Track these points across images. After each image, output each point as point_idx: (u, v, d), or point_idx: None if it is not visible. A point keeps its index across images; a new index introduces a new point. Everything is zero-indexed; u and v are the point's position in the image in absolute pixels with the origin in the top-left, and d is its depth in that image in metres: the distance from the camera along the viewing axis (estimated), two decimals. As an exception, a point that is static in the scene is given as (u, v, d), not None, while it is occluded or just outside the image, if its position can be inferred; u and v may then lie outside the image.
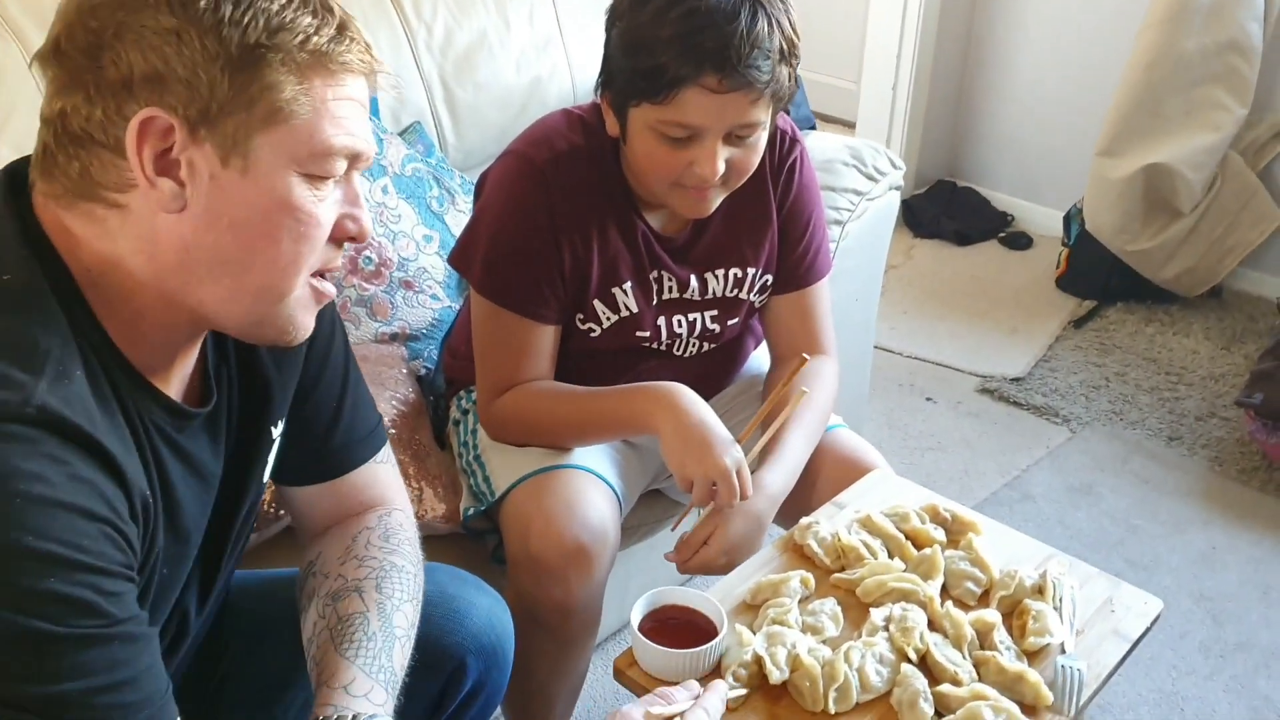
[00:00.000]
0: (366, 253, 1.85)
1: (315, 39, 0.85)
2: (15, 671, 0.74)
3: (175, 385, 0.95)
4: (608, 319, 1.50)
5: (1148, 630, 1.25)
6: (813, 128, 2.36)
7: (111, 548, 0.79)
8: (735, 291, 1.56)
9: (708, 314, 1.57)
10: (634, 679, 1.15)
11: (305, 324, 0.94)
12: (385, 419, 1.58)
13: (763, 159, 1.50)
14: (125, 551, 0.81)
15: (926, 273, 3.27)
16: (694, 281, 1.53)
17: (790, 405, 1.43)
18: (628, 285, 1.49)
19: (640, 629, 1.16)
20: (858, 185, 2.12)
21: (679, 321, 1.55)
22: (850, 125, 3.63)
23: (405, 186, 1.92)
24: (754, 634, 1.17)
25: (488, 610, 1.23)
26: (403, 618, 1.09)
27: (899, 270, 3.27)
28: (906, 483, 1.47)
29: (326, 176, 0.88)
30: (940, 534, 1.34)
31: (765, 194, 1.53)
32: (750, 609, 1.24)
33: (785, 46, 1.31)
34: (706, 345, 1.60)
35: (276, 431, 1.07)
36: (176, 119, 0.81)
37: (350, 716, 0.98)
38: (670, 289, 1.52)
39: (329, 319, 1.13)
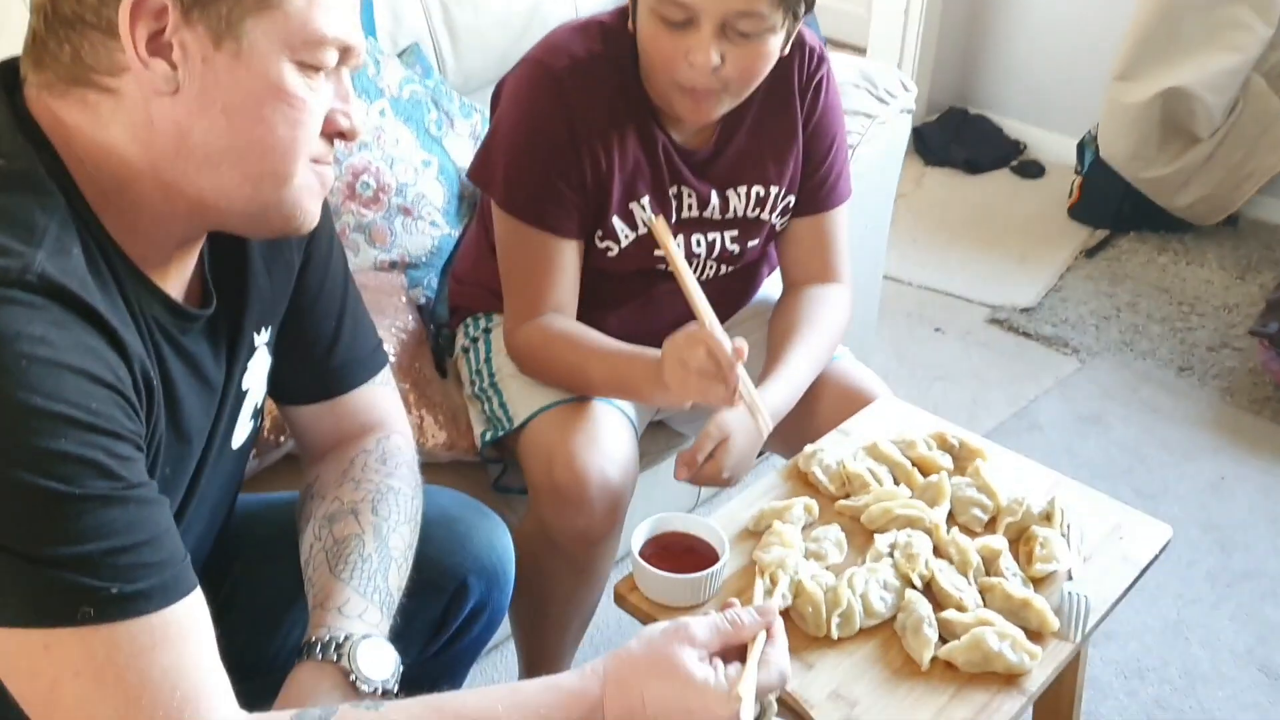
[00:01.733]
0: (364, 178, 1.81)
1: None
2: (38, 532, 0.73)
3: (175, 286, 0.93)
4: (626, 237, 1.46)
5: (1156, 557, 1.23)
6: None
7: (119, 413, 0.78)
8: (757, 211, 1.52)
9: (728, 234, 1.53)
10: (635, 604, 1.14)
11: (312, 211, 0.92)
12: (386, 346, 1.56)
13: (790, 73, 1.46)
14: (132, 419, 0.80)
15: (937, 201, 3.22)
16: (715, 199, 1.49)
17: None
18: (645, 200, 1.45)
19: (641, 554, 1.15)
20: (868, 108, 2.07)
21: (698, 241, 1.51)
22: (860, 50, 3.55)
23: (403, 110, 1.88)
24: (756, 559, 1.16)
25: (488, 532, 1.22)
26: (399, 539, 1.08)
27: (908, 199, 3.22)
28: (913, 409, 1.45)
29: (318, 66, 0.86)
30: (947, 461, 1.32)
31: (792, 110, 1.49)
32: (753, 535, 1.22)
33: None
34: (724, 268, 1.57)
35: (259, 339, 1.04)
36: (174, 3, 0.79)
37: (343, 637, 0.97)
38: (690, 206, 1.48)
39: (327, 237, 1.12)
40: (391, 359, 1.55)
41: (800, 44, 1.48)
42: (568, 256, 1.44)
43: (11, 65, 0.86)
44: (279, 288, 1.05)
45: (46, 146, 0.83)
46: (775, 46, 1.34)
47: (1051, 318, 2.72)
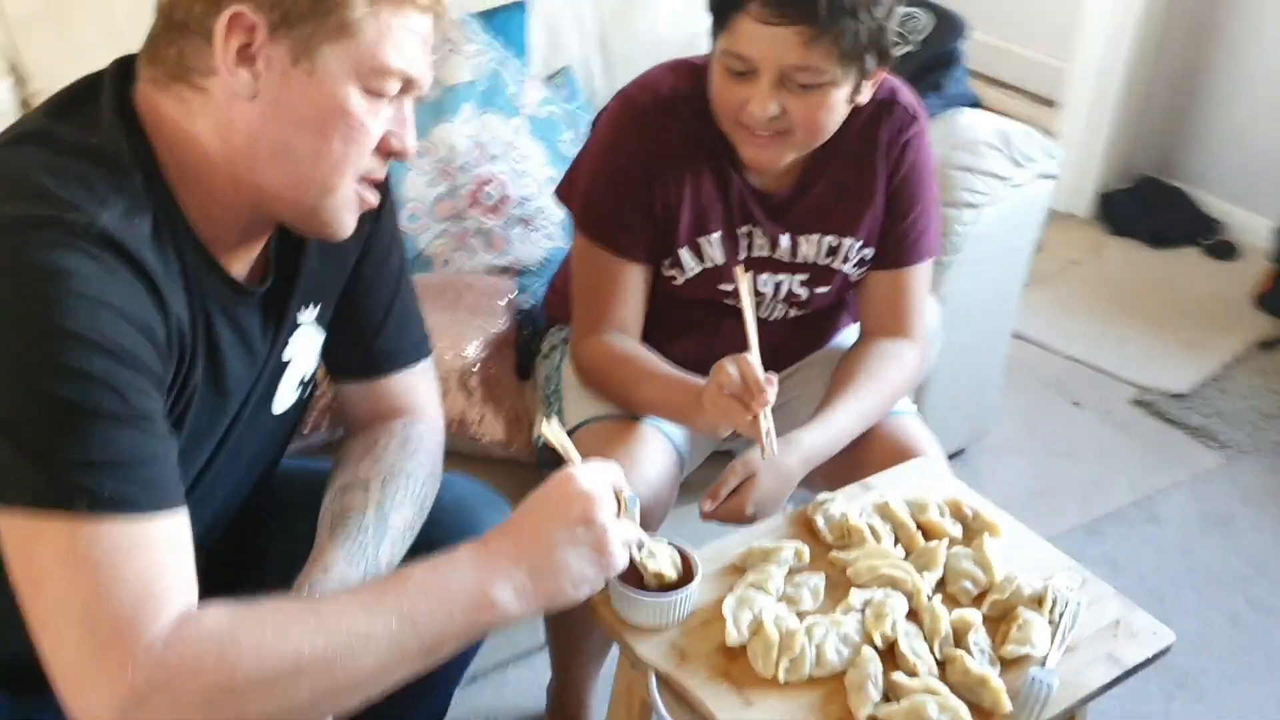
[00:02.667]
0: (489, 187, 1.93)
1: None
2: (53, 436, 0.85)
3: (239, 265, 1.06)
4: (691, 269, 1.52)
5: (1149, 661, 1.19)
6: (974, 105, 2.27)
7: (145, 353, 0.90)
8: (829, 260, 1.55)
9: (797, 278, 1.57)
10: (605, 617, 1.19)
11: (347, 223, 1.05)
12: (470, 345, 1.68)
13: (877, 130, 1.49)
14: (158, 363, 0.92)
15: (1112, 272, 3.10)
16: (785, 241, 1.53)
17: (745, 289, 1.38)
18: (715, 236, 1.51)
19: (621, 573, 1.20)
20: (999, 169, 2.05)
21: (765, 280, 1.56)
22: (1051, 104, 3.45)
23: (538, 128, 1.99)
24: (730, 594, 1.19)
25: (498, 522, 1.30)
26: (400, 518, 1.17)
27: (1081, 267, 3.11)
28: (948, 475, 1.44)
29: (380, 94, 0.98)
30: (956, 529, 1.31)
31: (873, 166, 1.51)
32: (738, 571, 1.25)
33: None
34: (793, 311, 1.60)
35: (303, 316, 1.16)
36: (261, 18, 0.92)
37: (317, 595, 1.06)
38: (761, 246, 1.53)
39: (388, 238, 1.23)
40: (474, 356, 1.67)
41: (891, 103, 1.50)
42: (634, 279, 1.51)
43: (129, 60, 1.01)
44: (331, 273, 1.18)
45: (140, 133, 0.97)
46: (839, 99, 1.37)
47: (1204, 408, 2.58)
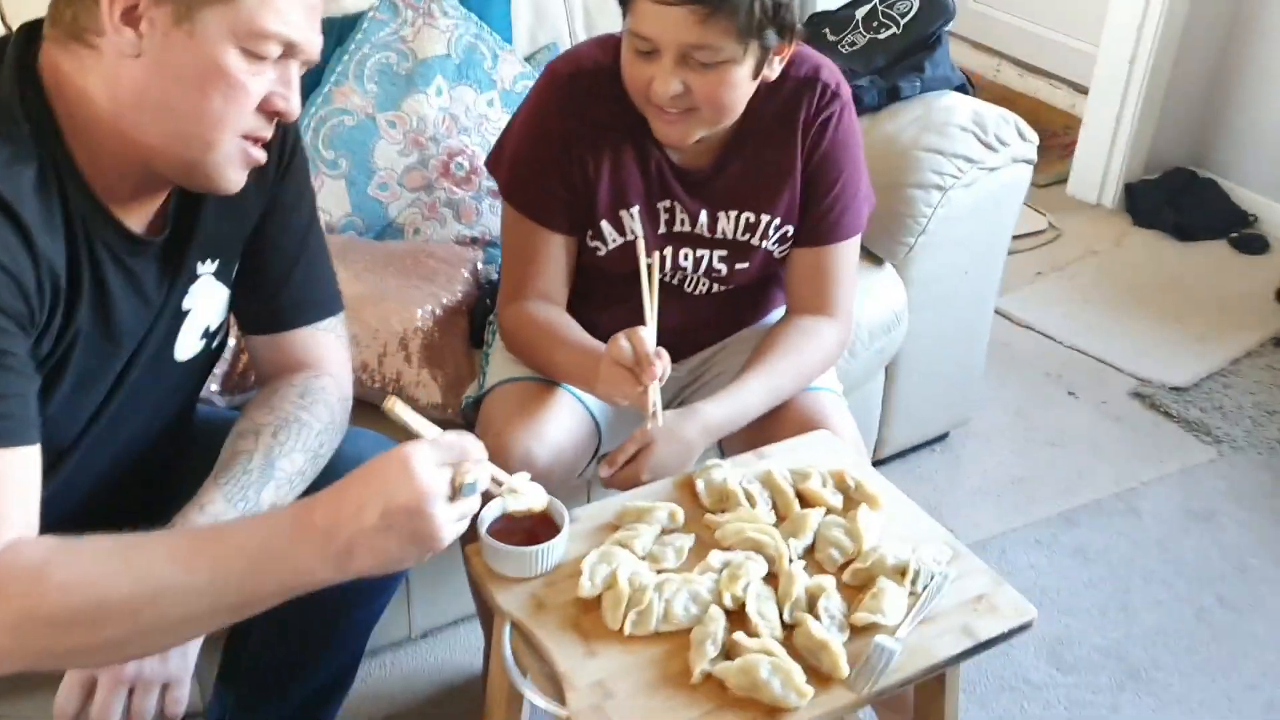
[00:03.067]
0: (459, 159, 1.99)
1: None
2: None
3: (136, 216, 1.13)
4: (613, 240, 1.56)
5: (1003, 636, 1.19)
6: (961, 89, 2.25)
7: (7, 293, 0.97)
8: (747, 236, 1.57)
9: (716, 253, 1.59)
10: (475, 567, 1.24)
11: (231, 178, 1.10)
12: (417, 310, 1.73)
13: (797, 107, 1.50)
14: (19, 303, 0.98)
15: (1131, 264, 3.04)
16: (704, 216, 1.56)
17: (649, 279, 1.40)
18: (635, 210, 1.54)
19: (494, 525, 1.24)
20: (971, 152, 2.03)
21: (685, 255, 1.59)
22: (1082, 90, 3.38)
23: (512, 103, 2.04)
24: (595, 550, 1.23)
25: None
26: (289, 463, 1.22)
27: (1100, 257, 3.06)
28: (845, 450, 1.45)
29: (261, 56, 1.04)
30: (836, 499, 1.32)
31: (793, 143, 1.53)
32: (614, 529, 1.29)
33: None
34: (717, 286, 1.63)
35: (202, 268, 1.22)
36: None
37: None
38: (681, 221, 1.56)
39: (294, 196, 1.29)
40: (419, 322, 1.72)
41: (813, 80, 1.51)
42: (556, 248, 1.55)
43: (38, 23, 1.08)
44: (231, 229, 1.24)
45: (38, 88, 1.04)
46: (741, 76, 1.39)
47: (1204, 402, 2.52)
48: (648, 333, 1.35)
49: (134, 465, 1.28)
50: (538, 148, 1.52)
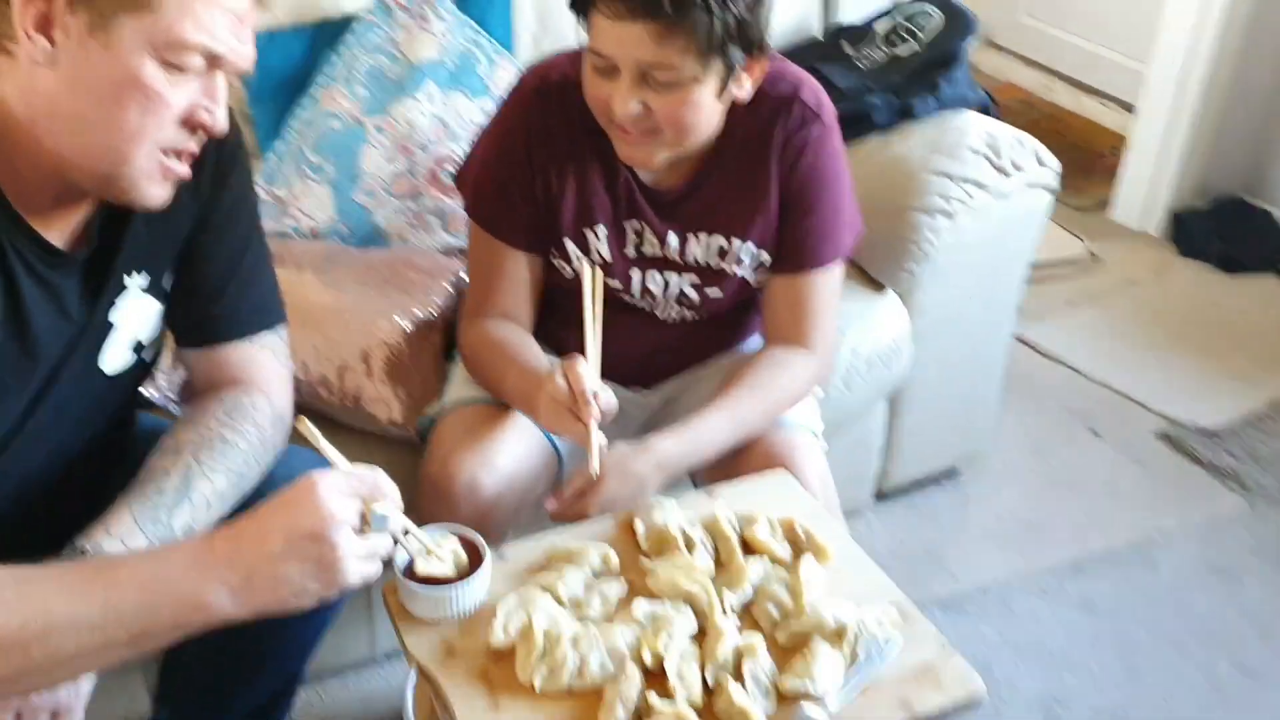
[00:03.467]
0: (448, 166, 1.93)
1: None
2: None
3: (57, 228, 1.09)
4: (577, 259, 1.49)
5: (946, 714, 1.10)
6: (984, 109, 2.14)
7: None
8: (719, 262, 1.50)
9: (686, 278, 1.51)
10: (390, 605, 1.18)
11: (152, 193, 1.06)
12: (382, 323, 1.68)
13: (770, 129, 1.43)
14: None
15: (1172, 296, 2.89)
16: (674, 240, 1.48)
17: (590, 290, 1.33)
18: (599, 229, 1.47)
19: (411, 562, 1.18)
20: (982, 176, 1.93)
21: (654, 278, 1.51)
22: (1128, 108, 3.23)
23: (506, 109, 1.97)
24: (514, 592, 1.16)
25: None
26: (208, 485, 1.17)
27: (1139, 287, 2.91)
28: (801, 494, 1.36)
29: (181, 68, 0.99)
30: (784, 549, 1.24)
31: (766, 166, 1.45)
32: (541, 570, 1.22)
33: None
34: (689, 314, 1.55)
35: (130, 280, 1.17)
36: None
37: (84, 550, 1.07)
38: (649, 243, 1.49)
39: (229, 208, 1.24)
40: (384, 336, 1.67)
41: (788, 101, 1.43)
42: (518, 266, 1.49)
43: None
44: (160, 243, 1.19)
45: None
46: (704, 96, 1.31)
47: (1237, 447, 2.38)
48: (586, 368, 1.27)
49: (64, 475, 1.24)
50: (501, 162, 1.46)
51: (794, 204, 1.46)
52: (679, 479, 1.45)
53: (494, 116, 1.49)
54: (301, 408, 1.61)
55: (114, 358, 1.20)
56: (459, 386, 1.55)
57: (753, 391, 1.46)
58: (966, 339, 2.09)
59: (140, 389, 1.35)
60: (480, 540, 1.18)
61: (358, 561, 0.98)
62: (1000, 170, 1.94)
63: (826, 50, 2.27)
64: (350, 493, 0.99)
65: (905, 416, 2.11)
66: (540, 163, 1.43)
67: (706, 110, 1.33)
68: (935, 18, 2.15)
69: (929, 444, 2.20)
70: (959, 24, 2.10)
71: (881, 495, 2.23)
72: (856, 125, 2.04)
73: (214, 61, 1.01)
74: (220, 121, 1.05)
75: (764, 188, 1.45)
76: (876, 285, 1.98)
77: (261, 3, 1.04)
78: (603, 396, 1.27)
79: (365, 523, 0.99)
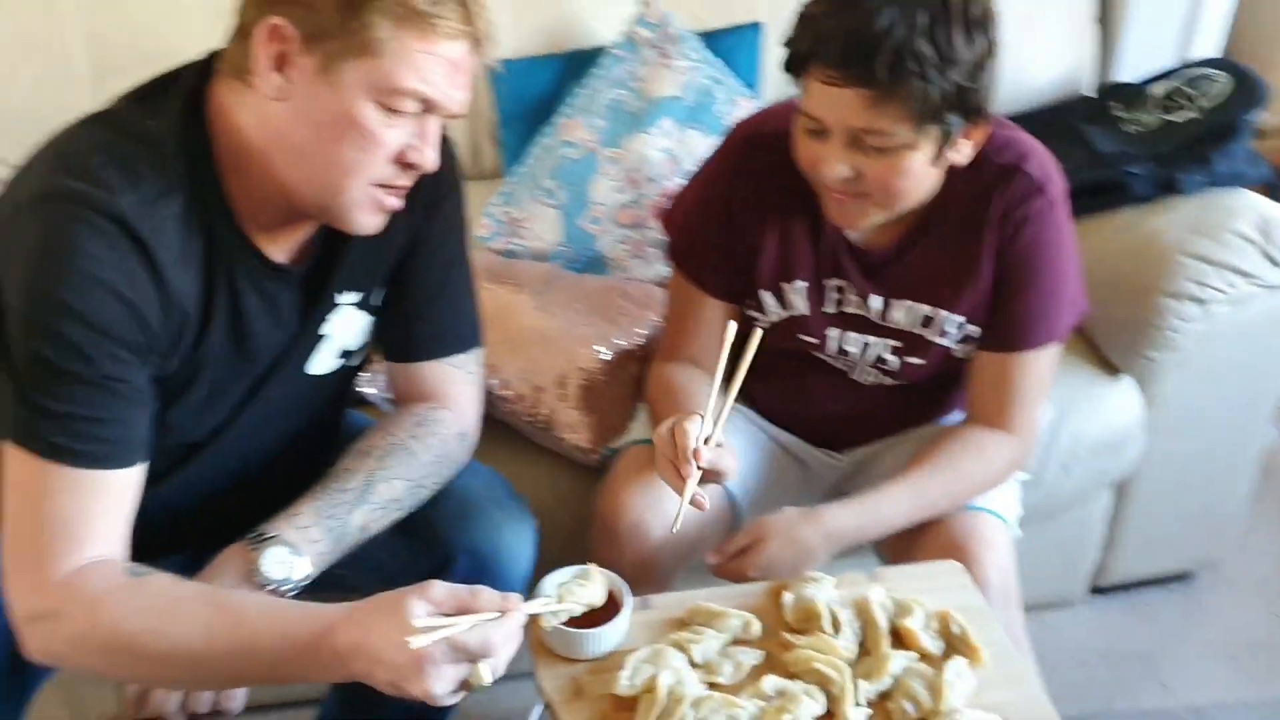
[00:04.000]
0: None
1: (434, 8, 1.03)
2: (33, 380, 1.03)
3: (280, 246, 1.18)
4: (774, 313, 1.47)
5: None
6: (1269, 190, 1.93)
7: (127, 326, 1.04)
8: (922, 330, 1.44)
9: (888, 343, 1.46)
10: (535, 638, 1.20)
11: (363, 222, 1.13)
12: (582, 351, 1.71)
13: (989, 199, 1.36)
14: (141, 334, 1.05)
15: None
16: (876, 303, 1.43)
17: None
18: (800, 284, 1.44)
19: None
20: (1248, 265, 1.76)
21: (852, 339, 1.47)
22: None
23: (742, 149, 1.98)
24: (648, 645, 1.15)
25: (500, 525, 1.33)
26: (387, 489, 1.24)
27: None
28: (970, 590, 1.28)
29: (396, 111, 1.06)
30: (935, 644, 1.17)
31: (980, 237, 1.37)
32: (681, 625, 1.21)
33: (935, 57, 1.18)
34: (887, 380, 1.50)
35: (341, 299, 1.25)
36: (296, 31, 1.03)
37: (269, 535, 1.16)
38: (852, 303, 1.45)
39: (442, 231, 1.30)
40: (581, 362, 1.71)
41: (1010, 171, 1.35)
42: (713, 314, 1.48)
43: (216, 55, 1.14)
44: (374, 264, 1.27)
45: (201, 120, 1.10)
46: (917, 163, 1.26)
47: None
48: (695, 425, 1.22)
49: (267, 468, 1.31)
50: (705, 209, 1.45)
51: (1009, 279, 1.38)
52: (857, 548, 1.40)
53: (705, 162, 1.49)
54: (495, 422, 1.70)
55: (321, 363, 1.28)
56: (644, 424, 1.56)
57: (941, 471, 1.39)
58: (1213, 437, 1.91)
59: (353, 387, 1.44)
60: (623, 586, 1.18)
61: (449, 698, 1.00)
62: (1272, 260, 1.76)
63: (1093, 110, 2.14)
64: (456, 660, 0.99)
65: (1133, 510, 1.96)
66: (743, 214, 1.42)
67: (919, 176, 1.28)
68: (1221, 83, 1.98)
69: (1159, 542, 2.03)
70: (1248, 93, 1.92)
71: (1098, 589, 2.07)
72: (1111, 195, 1.92)
73: (428, 106, 1.07)
74: (429, 161, 1.11)
75: (976, 259, 1.38)
76: (1111, 368, 1.84)
77: (480, 50, 1.09)
78: (711, 457, 1.20)
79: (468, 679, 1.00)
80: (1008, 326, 1.40)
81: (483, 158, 2.08)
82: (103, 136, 1.07)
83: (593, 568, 1.18)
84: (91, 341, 1.02)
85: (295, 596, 1.17)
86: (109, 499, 1.06)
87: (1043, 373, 1.43)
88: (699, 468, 1.19)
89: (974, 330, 1.42)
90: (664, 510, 1.41)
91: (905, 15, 1.17)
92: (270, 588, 1.14)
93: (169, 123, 1.08)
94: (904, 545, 1.42)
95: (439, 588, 1.00)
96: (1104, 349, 1.85)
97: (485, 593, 1.01)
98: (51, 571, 1.03)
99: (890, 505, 1.38)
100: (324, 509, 1.20)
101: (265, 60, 1.04)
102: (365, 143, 1.06)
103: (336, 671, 1.01)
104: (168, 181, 1.07)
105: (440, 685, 0.98)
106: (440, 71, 1.05)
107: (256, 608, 1.05)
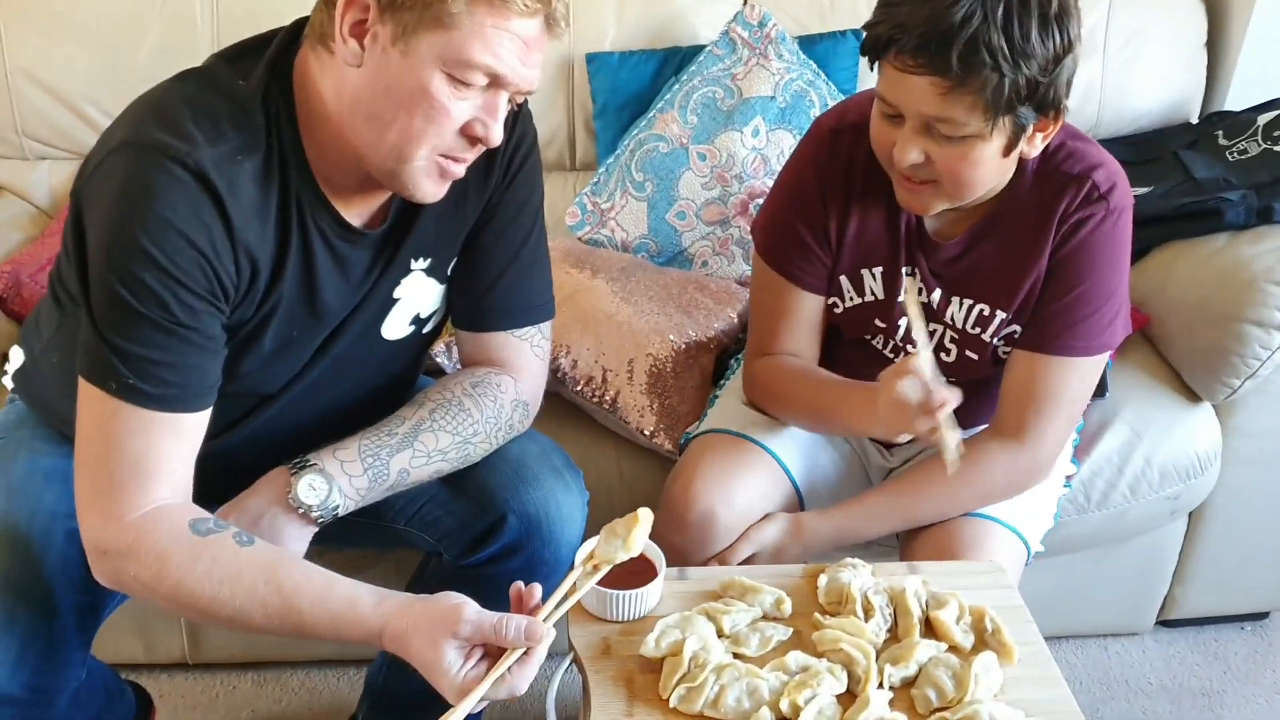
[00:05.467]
0: (759, 200, 1.99)
1: None
2: (109, 321, 1.10)
3: (357, 208, 1.23)
4: (851, 299, 1.49)
5: None
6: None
7: (200, 274, 1.10)
8: (977, 329, 1.45)
9: (948, 335, 1.47)
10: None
11: (428, 189, 1.17)
12: (669, 338, 1.75)
13: (1057, 199, 1.36)
14: (212, 281, 1.11)
15: None
16: (938, 295, 1.45)
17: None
18: (878, 270, 1.46)
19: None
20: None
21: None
22: None
23: (831, 153, 2.00)
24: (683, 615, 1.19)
25: (551, 490, 1.37)
26: (433, 439, 1.29)
27: None
28: (1011, 593, 1.28)
29: (466, 83, 1.09)
30: (966, 638, 1.18)
31: (1044, 235, 1.38)
32: (716, 598, 1.24)
33: (1008, 50, 1.19)
34: (946, 376, 1.50)
35: (415, 264, 1.30)
36: (374, 1, 1.06)
37: (309, 461, 1.23)
38: (920, 290, 1.46)
39: (516, 206, 1.34)
40: (653, 349, 1.74)
41: (1079, 179, 1.35)
42: (807, 307, 1.50)
43: (305, 21, 1.19)
44: (446, 233, 1.31)
45: (286, 82, 1.15)
46: (988, 153, 1.27)
47: None
48: (923, 362, 1.26)
49: (339, 424, 1.34)
50: (795, 203, 1.47)
51: (1055, 278, 1.38)
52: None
53: (791, 156, 1.52)
54: (564, 401, 1.75)
55: (394, 327, 1.33)
56: (719, 414, 1.58)
57: (923, 485, 1.44)
58: (1260, 497, 1.86)
59: (427, 355, 1.49)
60: (658, 554, 1.22)
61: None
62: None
63: (1196, 137, 2.11)
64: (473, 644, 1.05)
65: (1207, 542, 1.92)
66: (828, 202, 1.44)
67: (988, 166, 1.29)
68: (1331, 114, 1.93)
69: (1234, 578, 1.98)
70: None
71: (1167, 622, 2.03)
72: (1206, 221, 1.89)
73: (496, 81, 1.09)
74: (495, 136, 1.13)
75: (1034, 261, 1.38)
76: (1190, 394, 1.81)
77: (552, 29, 1.11)
78: (946, 392, 1.25)
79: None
80: (1041, 325, 1.40)
81: (578, 148, 2.14)
82: (190, 92, 1.13)
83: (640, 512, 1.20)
84: (165, 287, 1.07)
85: (337, 524, 1.23)
86: (177, 440, 1.13)
87: (1069, 386, 1.41)
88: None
89: (1017, 330, 1.43)
90: (733, 501, 1.44)
91: (983, 7, 1.18)
92: (301, 511, 1.21)
93: (255, 83, 1.13)
94: (911, 545, 1.45)
95: (466, 625, 1.04)
96: (1183, 373, 1.82)
97: (512, 623, 1.04)
98: (123, 509, 1.09)
99: (865, 519, 1.45)
100: (368, 448, 1.26)
101: (344, 27, 1.08)
102: (434, 113, 1.09)
103: (378, 646, 1.09)
104: (247, 138, 1.11)
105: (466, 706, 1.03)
106: (511, 48, 1.08)
107: (311, 597, 1.09)
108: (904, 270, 1.45)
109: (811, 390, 1.48)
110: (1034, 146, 1.31)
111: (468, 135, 1.12)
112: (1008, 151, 1.29)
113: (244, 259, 1.13)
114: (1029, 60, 1.20)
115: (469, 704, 1.01)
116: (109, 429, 1.10)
